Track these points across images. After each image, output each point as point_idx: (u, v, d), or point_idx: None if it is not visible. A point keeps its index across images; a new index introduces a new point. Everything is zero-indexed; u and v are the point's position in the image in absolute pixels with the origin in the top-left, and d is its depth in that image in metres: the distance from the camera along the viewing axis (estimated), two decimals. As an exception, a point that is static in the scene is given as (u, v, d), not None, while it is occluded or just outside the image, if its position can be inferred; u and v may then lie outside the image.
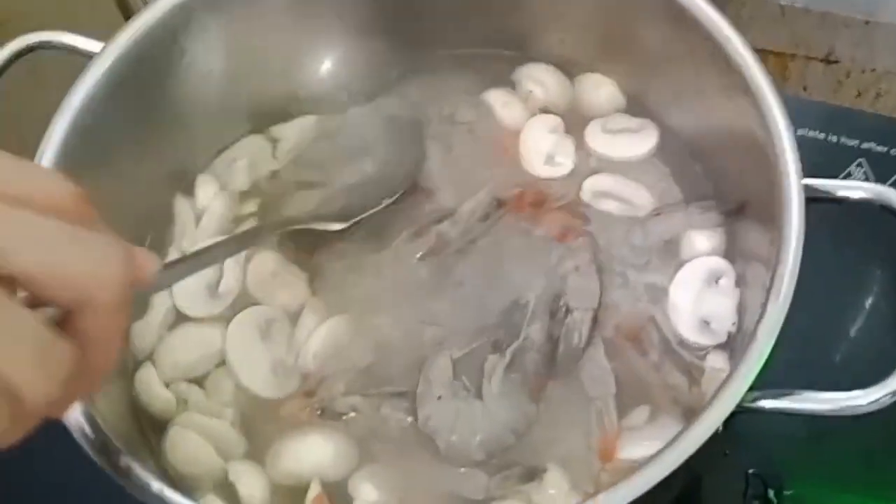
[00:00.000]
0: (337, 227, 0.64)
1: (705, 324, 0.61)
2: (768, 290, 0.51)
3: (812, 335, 0.68)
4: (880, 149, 0.81)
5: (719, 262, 0.63)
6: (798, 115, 0.58)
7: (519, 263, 0.65)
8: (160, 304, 0.64)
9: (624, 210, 0.67)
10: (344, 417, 0.60)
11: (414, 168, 0.69)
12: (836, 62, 1.01)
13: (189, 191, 0.70)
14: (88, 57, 0.62)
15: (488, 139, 0.71)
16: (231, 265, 0.65)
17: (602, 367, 0.61)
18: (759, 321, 0.50)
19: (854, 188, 0.56)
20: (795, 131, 0.56)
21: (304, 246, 0.66)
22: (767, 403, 0.50)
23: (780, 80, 1.00)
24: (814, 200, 0.54)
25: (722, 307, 0.61)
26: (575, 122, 0.71)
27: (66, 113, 0.59)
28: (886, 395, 0.49)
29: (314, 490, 0.57)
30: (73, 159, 0.59)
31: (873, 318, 0.71)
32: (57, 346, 0.32)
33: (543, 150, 0.69)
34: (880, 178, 0.79)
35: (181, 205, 0.69)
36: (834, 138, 0.82)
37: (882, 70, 0.97)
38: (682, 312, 0.62)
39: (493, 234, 0.66)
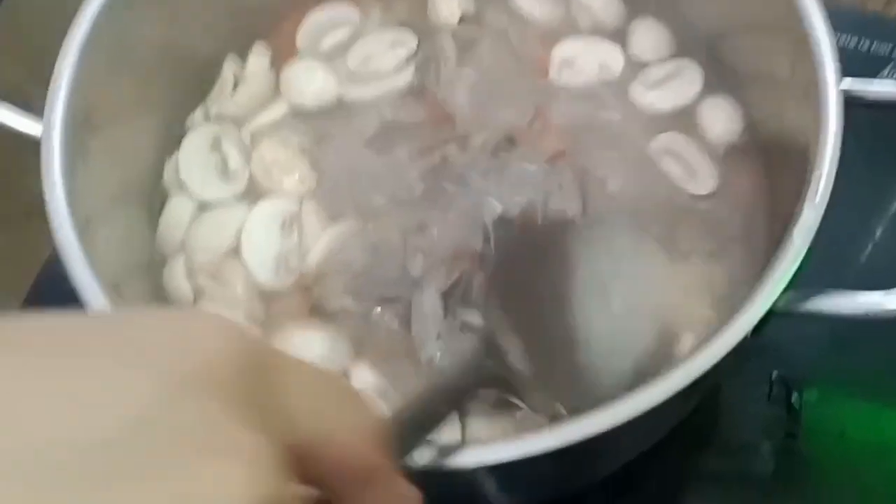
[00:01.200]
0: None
1: None
2: (804, 192, 0.50)
3: (840, 239, 0.67)
4: (914, 54, 0.80)
5: None
6: (830, 20, 0.57)
7: (506, 183, 0.64)
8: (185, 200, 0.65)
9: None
10: (335, 316, 0.60)
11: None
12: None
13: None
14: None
15: (521, 50, 0.69)
16: (232, 146, 0.67)
17: None
18: (794, 223, 0.49)
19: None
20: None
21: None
22: (800, 305, 0.50)
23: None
24: (852, 103, 0.54)
25: None
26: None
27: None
28: (921, 298, 0.49)
29: None
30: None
31: None
32: None
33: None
34: (913, 84, 0.78)
35: (229, 67, 0.70)
36: (866, 44, 0.81)
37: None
38: None
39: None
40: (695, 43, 0.68)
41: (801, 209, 0.50)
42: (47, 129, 0.55)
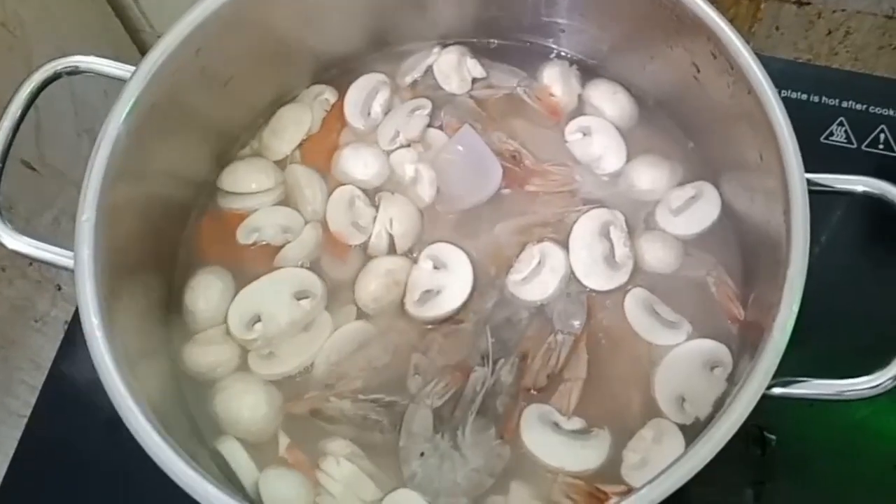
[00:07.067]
0: None
1: (680, 400, 0.64)
2: (780, 291, 0.55)
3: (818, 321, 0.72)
4: (859, 107, 0.86)
5: (723, 352, 0.65)
6: (780, 76, 0.62)
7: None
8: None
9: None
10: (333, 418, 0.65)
11: None
12: (807, 4, 1.04)
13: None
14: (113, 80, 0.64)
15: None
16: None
17: (580, 359, 0.66)
18: (773, 320, 0.55)
19: (855, 182, 0.60)
20: (780, 93, 0.60)
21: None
22: (778, 391, 0.55)
23: (752, 19, 1.03)
24: (815, 194, 0.59)
25: (704, 394, 0.64)
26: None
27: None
28: (888, 379, 0.55)
29: (283, 442, 0.64)
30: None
31: (874, 303, 0.75)
32: None
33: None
34: (860, 136, 0.84)
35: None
36: (815, 98, 0.86)
37: (851, 10, 1.01)
38: (666, 383, 0.65)
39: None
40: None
41: (777, 308, 0.55)
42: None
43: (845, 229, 0.77)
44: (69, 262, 0.59)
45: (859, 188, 0.60)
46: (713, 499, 0.70)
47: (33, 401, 0.79)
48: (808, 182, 0.59)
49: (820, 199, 0.59)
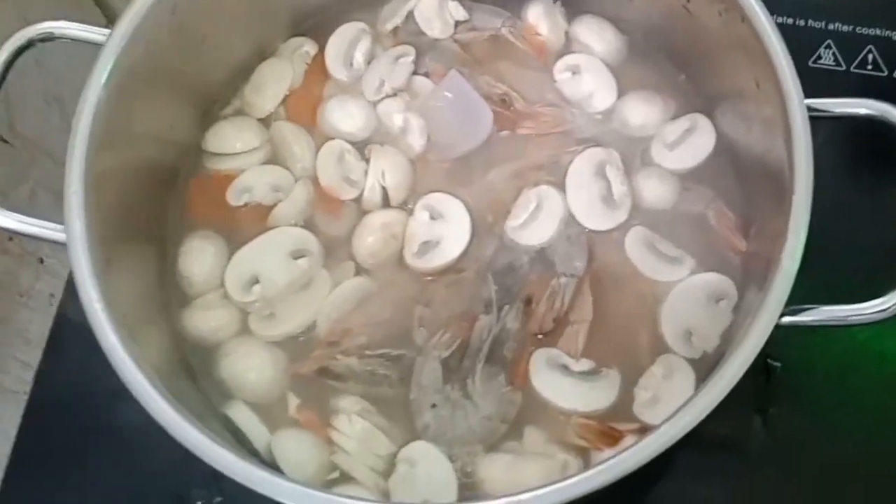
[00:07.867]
0: None
1: (688, 334, 0.64)
2: (787, 218, 0.55)
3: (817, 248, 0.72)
4: (846, 28, 0.85)
5: (728, 284, 0.65)
6: (764, 2, 0.61)
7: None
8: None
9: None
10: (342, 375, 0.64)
11: None
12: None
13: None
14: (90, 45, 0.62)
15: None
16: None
17: (585, 301, 0.65)
18: (781, 249, 0.54)
19: (856, 105, 0.59)
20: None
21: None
22: (787, 319, 0.54)
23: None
24: (813, 119, 0.58)
25: (711, 327, 0.63)
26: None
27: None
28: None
29: (293, 402, 0.64)
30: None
31: (873, 227, 0.75)
32: None
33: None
34: (848, 58, 0.83)
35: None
36: (801, 22, 0.85)
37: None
38: (672, 318, 0.64)
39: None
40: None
41: (785, 235, 0.54)
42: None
43: (838, 153, 0.76)
44: (59, 236, 0.57)
45: (861, 111, 0.59)
46: (721, 427, 0.70)
47: (25, 376, 0.78)
48: (807, 108, 0.58)
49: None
